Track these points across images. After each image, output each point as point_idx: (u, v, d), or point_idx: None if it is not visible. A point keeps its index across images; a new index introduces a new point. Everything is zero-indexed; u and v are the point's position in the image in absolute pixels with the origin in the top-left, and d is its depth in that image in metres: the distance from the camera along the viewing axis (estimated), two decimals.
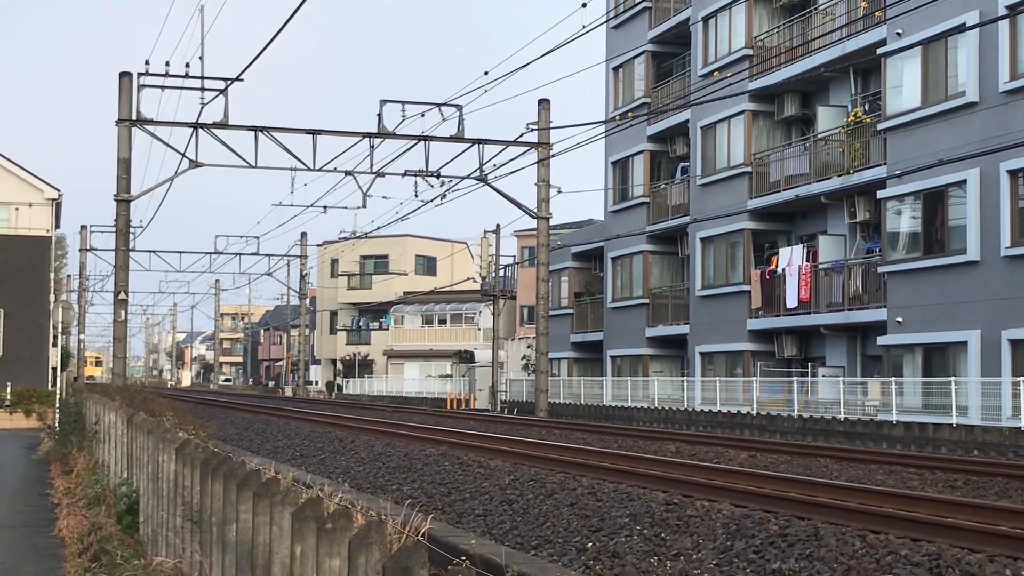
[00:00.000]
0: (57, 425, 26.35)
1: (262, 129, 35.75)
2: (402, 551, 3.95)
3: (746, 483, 14.18)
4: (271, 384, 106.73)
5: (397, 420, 33.96)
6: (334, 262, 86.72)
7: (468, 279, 71.60)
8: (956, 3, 27.61)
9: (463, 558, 8.21)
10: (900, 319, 29.69)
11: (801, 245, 35.37)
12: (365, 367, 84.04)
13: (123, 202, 35.86)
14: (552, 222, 41.55)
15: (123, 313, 36.26)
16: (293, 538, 5.04)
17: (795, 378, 32.91)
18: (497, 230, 55.50)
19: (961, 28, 26.87)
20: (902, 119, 29.68)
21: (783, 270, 34.96)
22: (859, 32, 31.87)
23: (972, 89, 27.59)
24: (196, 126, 35.30)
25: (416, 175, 37.92)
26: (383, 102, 36.07)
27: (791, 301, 34.45)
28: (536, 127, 38.83)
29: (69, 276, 77.90)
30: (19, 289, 44.07)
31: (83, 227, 69.57)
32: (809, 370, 34.29)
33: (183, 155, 35.70)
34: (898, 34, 29.64)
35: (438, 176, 38.05)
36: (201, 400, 52.10)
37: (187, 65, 34.62)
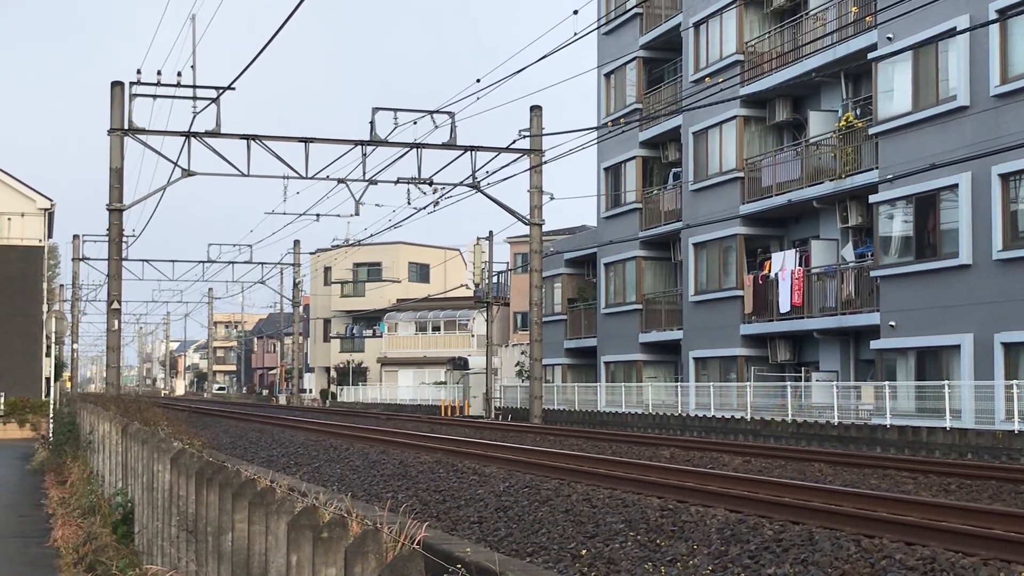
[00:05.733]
0: (51, 435, 26.33)
1: (254, 137, 35.74)
2: (398, 560, 3.96)
3: (740, 488, 14.19)
4: (265, 392, 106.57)
5: (391, 428, 33.92)
6: (327, 270, 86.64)
7: (461, 286, 71.60)
8: (946, 7, 27.67)
9: (458, 566, 8.21)
10: (893, 323, 29.74)
11: (794, 250, 35.44)
12: (359, 375, 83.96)
13: (115, 211, 35.81)
14: (545, 228, 41.57)
15: (116, 322, 36.20)
16: (289, 547, 5.04)
17: (789, 383, 32.95)
18: (490, 237, 55.53)
19: (951, 32, 26.96)
20: (893, 123, 29.76)
21: (776, 275, 35.01)
22: (850, 37, 31.96)
23: (963, 93, 27.67)
24: (188, 135, 35.28)
25: (409, 182, 37.91)
26: (375, 110, 36.07)
27: (784, 306, 34.51)
28: (528, 134, 38.84)
29: (62, 286, 77.62)
30: (11, 299, 44.01)
31: (76, 236, 69.32)
32: (803, 375, 34.34)
33: (175, 164, 35.69)
34: (889, 39, 29.72)
35: (431, 183, 38.04)
36: (195, 409, 51.99)
37: (179, 74, 34.53)
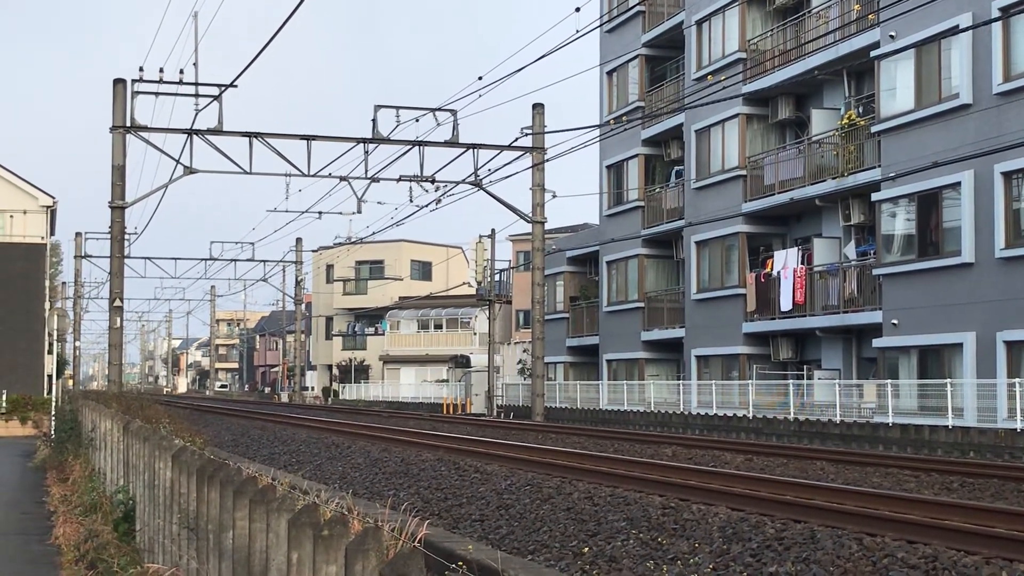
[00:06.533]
0: (53, 433, 26.34)
1: (256, 135, 35.72)
2: (399, 558, 3.95)
3: (742, 486, 14.18)
4: (267, 390, 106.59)
5: (393, 425, 33.92)
6: (329, 267, 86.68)
7: (464, 284, 71.57)
8: (949, 5, 27.66)
9: (460, 563, 8.21)
10: (895, 321, 29.72)
11: (796, 248, 35.42)
12: (361, 372, 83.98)
13: (118, 209, 35.82)
14: (547, 226, 41.54)
15: (118, 320, 36.21)
16: (290, 545, 5.04)
17: (791, 381, 32.93)
18: (492, 235, 55.51)
19: (954, 30, 26.92)
20: (896, 121, 29.73)
21: (778, 273, 34.99)
22: (852, 35, 31.92)
23: (965, 91, 27.64)
24: (190, 132, 35.26)
25: (411, 180, 37.89)
26: (377, 107, 36.01)
27: (786, 304, 34.48)
28: (530, 131, 38.83)
29: (64, 283, 77.71)
30: (14, 297, 44.02)
31: (78, 234, 69.40)
32: (805, 373, 34.31)
33: (178, 161, 35.69)
34: (891, 37, 29.68)
35: (433, 181, 38.02)
36: (197, 406, 52.03)
37: (181, 71, 34.62)
